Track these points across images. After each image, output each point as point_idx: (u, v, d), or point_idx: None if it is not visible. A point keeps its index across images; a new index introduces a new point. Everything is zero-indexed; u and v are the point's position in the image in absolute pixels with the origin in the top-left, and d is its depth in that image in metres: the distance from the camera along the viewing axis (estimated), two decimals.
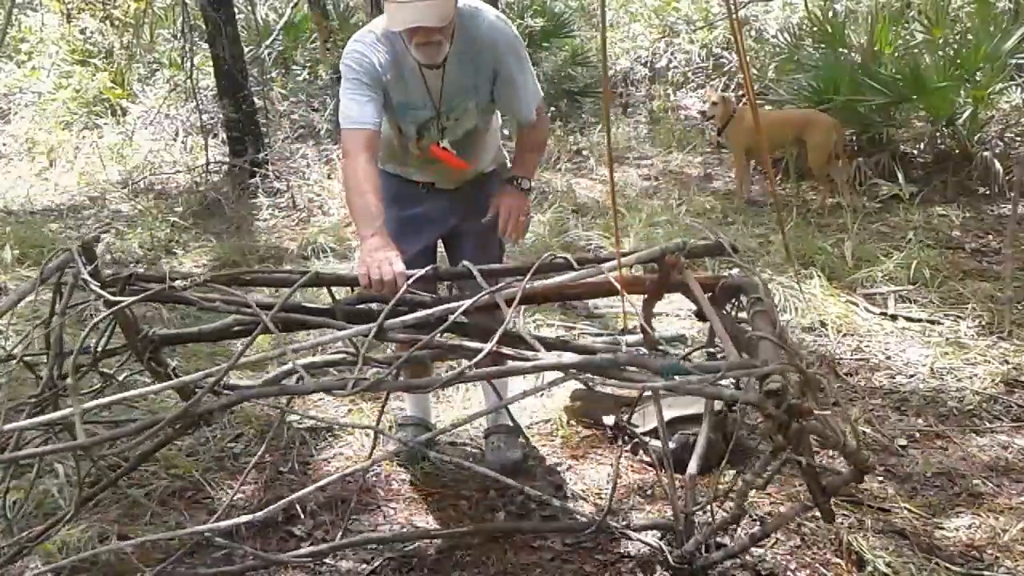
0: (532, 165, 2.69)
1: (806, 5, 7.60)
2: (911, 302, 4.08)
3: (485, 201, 2.65)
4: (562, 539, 2.45)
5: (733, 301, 2.33)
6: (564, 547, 2.41)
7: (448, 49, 2.37)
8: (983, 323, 3.79)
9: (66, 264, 2.12)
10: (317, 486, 2.04)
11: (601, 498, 2.64)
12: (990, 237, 4.91)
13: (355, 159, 2.38)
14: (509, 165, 2.73)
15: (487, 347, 1.95)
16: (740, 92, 7.15)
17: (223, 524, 2.11)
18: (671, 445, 2.72)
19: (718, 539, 2.38)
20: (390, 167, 2.69)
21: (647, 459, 2.79)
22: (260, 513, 2.03)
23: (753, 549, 2.36)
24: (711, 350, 2.53)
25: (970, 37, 5.97)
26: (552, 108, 7.98)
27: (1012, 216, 4.29)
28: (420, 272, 2.21)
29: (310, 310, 2.25)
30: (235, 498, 2.60)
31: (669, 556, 2.24)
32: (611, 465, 2.78)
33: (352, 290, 2.40)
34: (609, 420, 3.04)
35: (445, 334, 2.08)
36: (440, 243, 2.80)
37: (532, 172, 2.67)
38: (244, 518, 2.06)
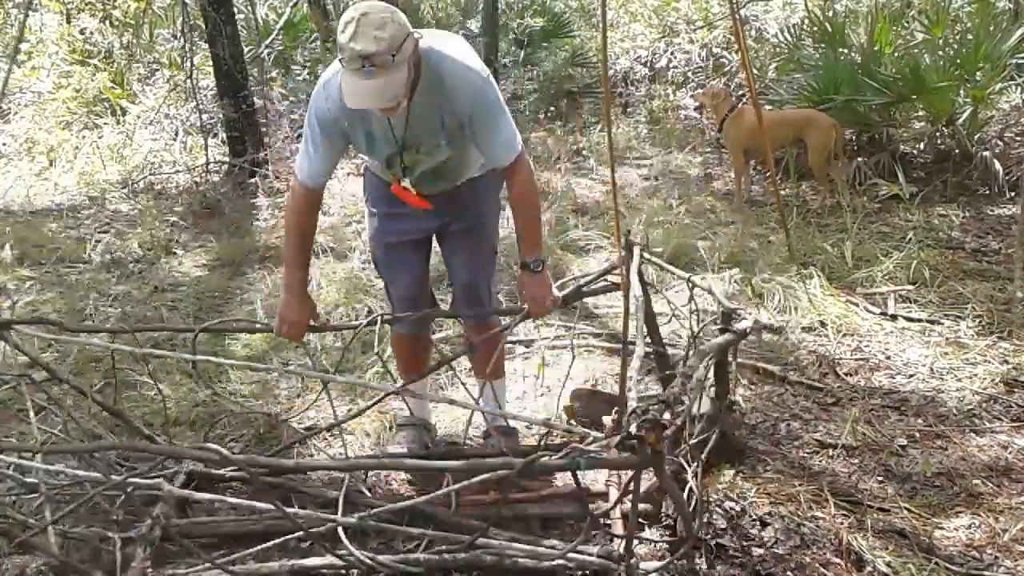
0: (536, 235, 2.55)
1: (806, 5, 7.62)
2: (911, 302, 4.08)
3: (473, 199, 2.66)
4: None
5: None
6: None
7: (405, 102, 2.28)
8: (983, 323, 3.79)
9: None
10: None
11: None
12: (990, 237, 4.90)
13: (295, 211, 2.54)
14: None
15: None
16: (740, 92, 7.15)
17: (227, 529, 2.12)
18: None
19: (718, 541, 2.39)
20: (375, 167, 2.68)
21: None
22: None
23: (753, 549, 2.36)
24: None
25: (970, 37, 5.95)
26: (552, 108, 7.98)
27: (1021, 215, 4.27)
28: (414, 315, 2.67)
29: None
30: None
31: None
32: None
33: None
34: (608, 420, 3.03)
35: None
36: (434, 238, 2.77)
37: (539, 243, 2.55)
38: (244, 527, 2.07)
